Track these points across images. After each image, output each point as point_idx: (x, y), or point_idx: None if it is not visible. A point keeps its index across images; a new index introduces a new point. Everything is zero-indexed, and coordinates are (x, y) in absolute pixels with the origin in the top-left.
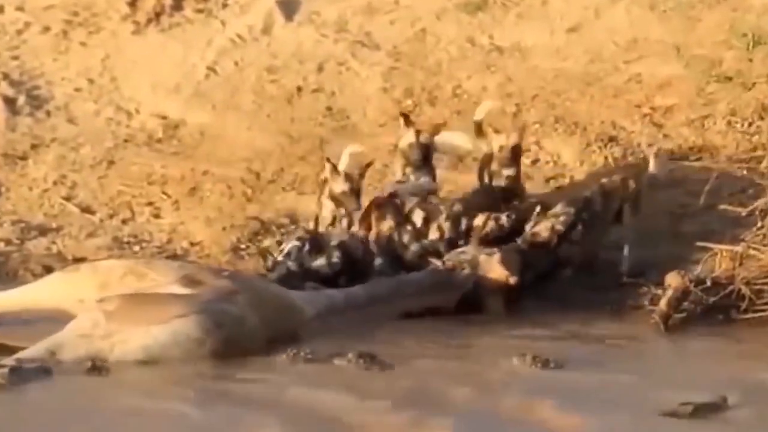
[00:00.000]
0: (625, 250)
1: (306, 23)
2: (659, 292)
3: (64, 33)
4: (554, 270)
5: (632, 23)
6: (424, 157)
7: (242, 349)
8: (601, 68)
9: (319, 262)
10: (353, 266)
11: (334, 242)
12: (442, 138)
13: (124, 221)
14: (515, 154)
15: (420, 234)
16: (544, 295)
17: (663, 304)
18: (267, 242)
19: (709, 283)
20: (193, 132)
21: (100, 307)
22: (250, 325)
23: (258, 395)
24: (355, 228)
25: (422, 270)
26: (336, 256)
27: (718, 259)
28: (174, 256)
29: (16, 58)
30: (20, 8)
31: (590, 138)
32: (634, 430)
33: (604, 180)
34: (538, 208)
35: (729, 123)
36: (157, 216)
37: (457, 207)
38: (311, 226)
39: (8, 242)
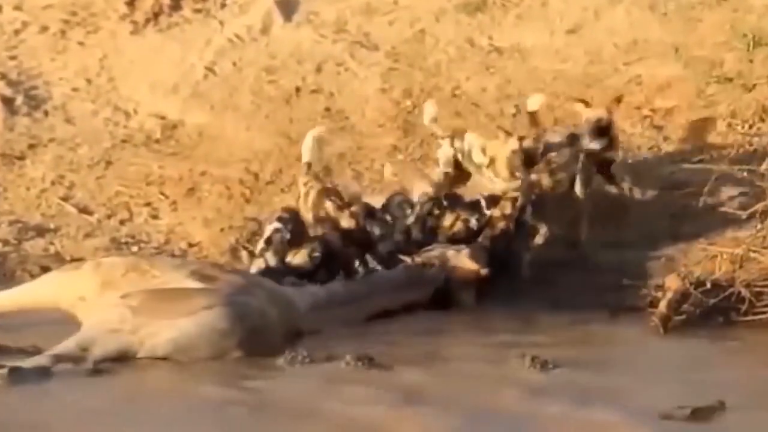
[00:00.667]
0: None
1: (305, 23)
2: (659, 294)
3: (62, 33)
4: (515, 252)
5: (632, 24)
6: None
7: (264, 342)
8: (600, 70)
9: (300, 257)
10: (332, 260)
11: (314, 235)
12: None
13: (122, 222)
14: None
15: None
16: (544, 297)
17: (662, 306)
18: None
19: (708, 286)
20: (191, 132)
21: (124, 303)
22: (270, 317)
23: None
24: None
25: (395, 267)
26: (317, 251)
27: (718, 262)
28: (172, 257)
29: (14, 57)
30: (18, 8)
31: None
32: None
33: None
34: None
35: (729, 125)
36: (155, 217)
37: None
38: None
39: (6, 243)
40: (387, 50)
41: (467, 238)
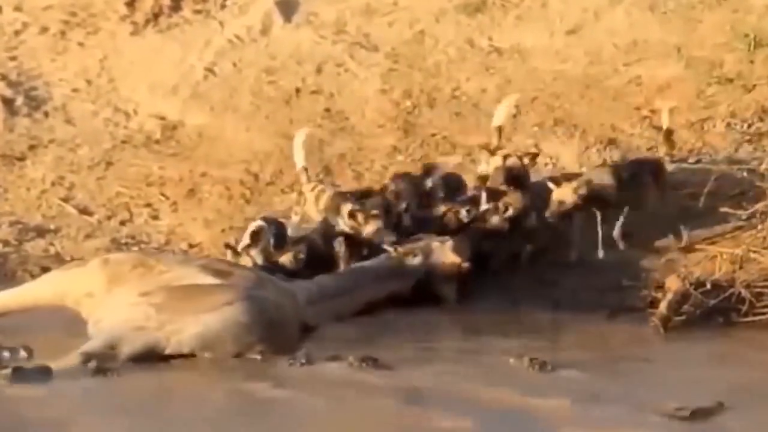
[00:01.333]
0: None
1: (304, 24)
2: (659, 294)
3: (62, 33)
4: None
5: (632, 25)
6: None
7: (284, 335)
8: (600, 70)
9: (285, 257)
10: (316, 259)
11: (298, 234)
12: None
13: (122, 222)
14: None
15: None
16: (543, 297)
17: (663, 307)
18: None
19: (709, 286)
20: (191, 133)
21: (146, 301)
22: (287, 311)
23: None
24: None
25: (377, 258)
26: (302, 252)
27: (718, 262)
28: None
29: (14, 58)
30: (18, 8)
31: (589, 140)
32: None
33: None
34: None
35: (729, 125)
36: (155, 217)
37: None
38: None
39: (6, 243)
40: (387, 51)
41: (458, 229)
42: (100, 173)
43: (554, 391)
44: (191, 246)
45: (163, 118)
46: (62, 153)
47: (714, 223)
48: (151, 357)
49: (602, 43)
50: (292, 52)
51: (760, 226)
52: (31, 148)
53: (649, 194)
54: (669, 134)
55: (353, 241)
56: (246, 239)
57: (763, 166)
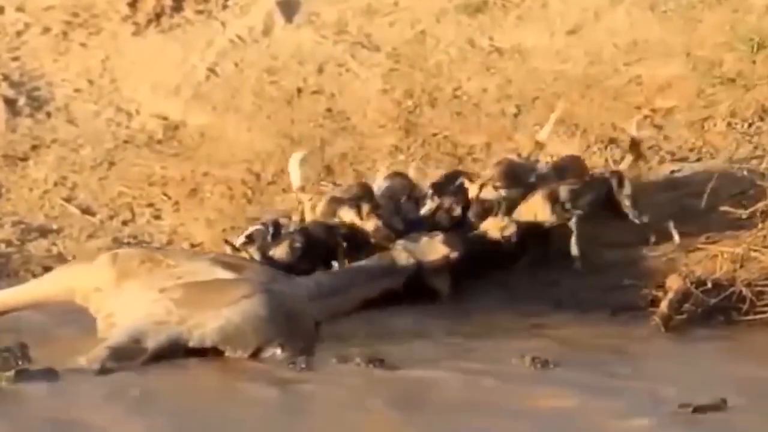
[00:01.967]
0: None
1: (306, 25)
2: (660, 293)
3: (65, 34)
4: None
5: (632, 25)
6: None
7: (301, 328)
8: (601, 70)
9: (281, 248)
10: (314, 251)
11: (295, 227)
12: None
13: (124, 222)
14: None
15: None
16: (544, 297)
17: (664, 306)
18: None
19: (709, 285)
20: (193, 133)
21: (166, 296)
22: (303, 304)
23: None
24: None
25: (370, 257)
26: (297, 241)
27: (719, 261)
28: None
29: (16, 59)
30: (20, 9)
31: (590, 140)
32: None
33: None
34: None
35: (729, 124)
36: (157, 217)
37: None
38: None
39: (9, 243)
40: (388, 51)
41: (450, 226)
42: (102, 173)
43: (556, 390)
44: (193, 246)
45: (165, 118)
46: (64, 153)
47: (714, 223)
48: (175, 352)
49: (603, 43)
50: (294, 52)
51: (760, 225)
52: (34, 148)
53: (599, 212)
54: (636, 144)
55: (353, 235)
56: (242, 238)
57: (764, 166)
